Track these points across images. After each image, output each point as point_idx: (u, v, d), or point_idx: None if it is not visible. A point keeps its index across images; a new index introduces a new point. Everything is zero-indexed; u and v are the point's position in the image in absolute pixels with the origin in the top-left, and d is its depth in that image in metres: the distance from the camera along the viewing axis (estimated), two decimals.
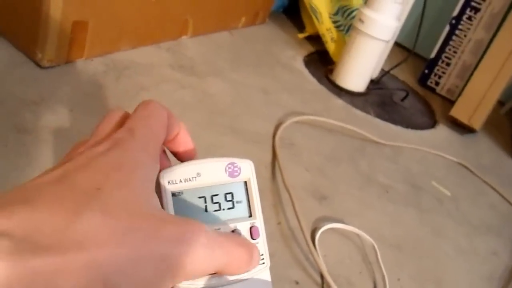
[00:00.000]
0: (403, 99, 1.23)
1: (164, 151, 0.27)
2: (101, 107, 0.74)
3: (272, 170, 0.75)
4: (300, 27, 1.38)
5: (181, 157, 0.27)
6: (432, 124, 1.19)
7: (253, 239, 0.27)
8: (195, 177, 0.26)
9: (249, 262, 0.24)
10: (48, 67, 0.76)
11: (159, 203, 0.23)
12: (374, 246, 0.67)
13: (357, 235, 0.69)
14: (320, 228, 0.66)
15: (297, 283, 0.57)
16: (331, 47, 1.24)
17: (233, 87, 0.96)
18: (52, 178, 0.20)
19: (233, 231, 0.26)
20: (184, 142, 0.27)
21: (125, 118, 0.24)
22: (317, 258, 0.60)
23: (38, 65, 0.75)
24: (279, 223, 0.65)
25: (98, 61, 0.84)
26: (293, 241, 0.63)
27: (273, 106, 0.95)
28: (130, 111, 0.26)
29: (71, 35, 0.76)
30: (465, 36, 1.32)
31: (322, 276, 0.59)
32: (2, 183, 0.54)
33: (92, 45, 0.81)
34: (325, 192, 0.76)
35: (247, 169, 0.27)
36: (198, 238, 0.21)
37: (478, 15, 1.29)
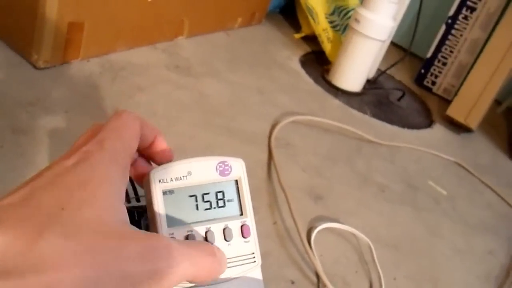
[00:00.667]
0: (399, 99, 1.23)
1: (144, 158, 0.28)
2: (97, 108, 0.74)
3: (268, 170, 0.75)
4: (297, 28, 1.38)
5: (157, 163, 0.28)
6: (429, 123, 1.19)
7: (244, 237, 0.27)
8: (186, 176, 0.26)
9: (218, 270, 0.24)
10: (43, 68, 0.76)
11: (126, 217, 0.22)
12: (370, 246, 0.68)
13: (353, 234, 0.69)
14: (316, 227, 0.66)
15: (292, 282, 0.57)
16: (327, 47, 1.24)
17: (230, 88, 0.96)
18: (18, 199, 0.20)
19: (224, 230, 0.26)
20: (159, 149, 0.27)
21: (99, 130, 0.25)
22: (312, 257, 0.60)
23: (34, 66, 0.75)
24: (275, 223, 0.65)
25: (94, 62, 0.84)
26: (288, 240, 0.63)
27: (269, 106, 0.95)
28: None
29: (66, 36, 0.76)
30: (461, 35, 1.32)
31: (317, 276, 0.59)
32: None
33: (88, 46, 0.81)
34: (321, 192, 0.76)
35: (238, 167, 0.27)
36: (162, 254, 0.21)
37: (474, 14, 1.29)
